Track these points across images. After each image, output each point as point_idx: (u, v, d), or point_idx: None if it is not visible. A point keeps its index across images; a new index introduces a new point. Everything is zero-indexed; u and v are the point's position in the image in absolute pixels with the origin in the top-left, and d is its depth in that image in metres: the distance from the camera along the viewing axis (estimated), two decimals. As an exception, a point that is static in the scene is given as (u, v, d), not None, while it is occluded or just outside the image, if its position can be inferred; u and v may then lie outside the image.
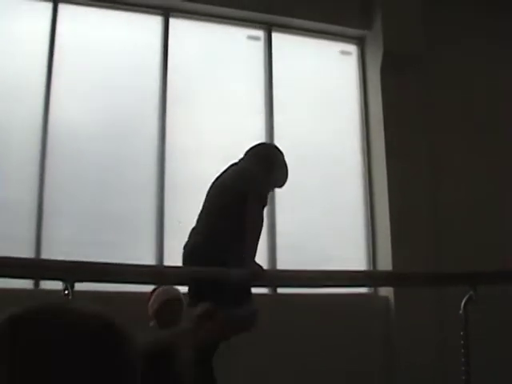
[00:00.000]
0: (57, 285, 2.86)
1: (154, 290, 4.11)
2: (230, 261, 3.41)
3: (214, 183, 3.90)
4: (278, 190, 6.02)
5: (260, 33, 6.54)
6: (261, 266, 3.43)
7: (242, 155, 4.03)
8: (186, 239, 3.81)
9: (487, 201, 6.63)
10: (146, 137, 5.92)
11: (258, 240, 3.57)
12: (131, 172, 5.79)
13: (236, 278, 3.38)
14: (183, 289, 4.02)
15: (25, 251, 5.06)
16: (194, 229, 3.82)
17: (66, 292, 2.72)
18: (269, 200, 5.92)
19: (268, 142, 4.15)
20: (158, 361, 3.81)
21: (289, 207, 6.17)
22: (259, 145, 4.09)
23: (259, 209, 3.61)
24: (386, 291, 6.19)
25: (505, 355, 5.22)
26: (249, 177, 3.71)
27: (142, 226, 5.71)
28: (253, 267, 3.35)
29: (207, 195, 3.88)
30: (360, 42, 6.91)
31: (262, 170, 3.78)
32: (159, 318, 3.99)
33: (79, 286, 2.85)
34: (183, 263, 3.71)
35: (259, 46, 6.50)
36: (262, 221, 3.67)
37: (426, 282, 4.18)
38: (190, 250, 3.72)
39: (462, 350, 4.11)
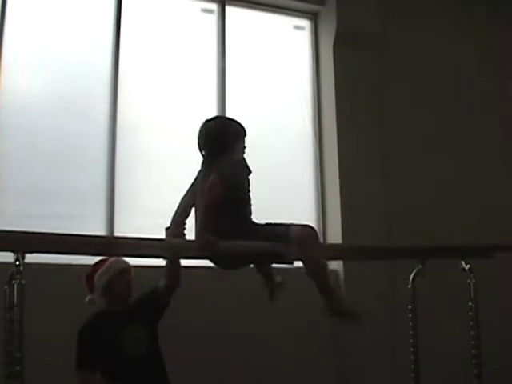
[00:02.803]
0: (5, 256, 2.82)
1: (96, 264, 4.09)
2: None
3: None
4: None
5: (214, 6, 6.48)
6: (213, 238, 3.38)
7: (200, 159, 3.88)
8: None
9: (440, 176, 6.74)
10: (97, 110, 5.82)
11: (211, 213, 3.50)
12: (82, 146, 5.71)
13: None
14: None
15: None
16: None
17: (17, 263, 2.68)
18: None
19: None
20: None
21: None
22: (201, 135, 3.88)
23: (219, 185, 3.53)
24: (335, 265, 6.25)
25: (452, 328, 5.33)
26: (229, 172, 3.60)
27: (92, 200, 5.65)
28: (204, 238, 3.32)
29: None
30: (314, 18, 6.91)
31: (230, 156, 3.67)
32: (110, 289, 3.97)
33: (30, 258, 2.82)
34: None
35: (213, 20, 6.45)
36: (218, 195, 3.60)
37: (375, 255, 4.22)
38: None
39: (410, 323, 4.20)
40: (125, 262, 4.06)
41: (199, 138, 3.69)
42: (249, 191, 3.60)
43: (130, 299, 4.07)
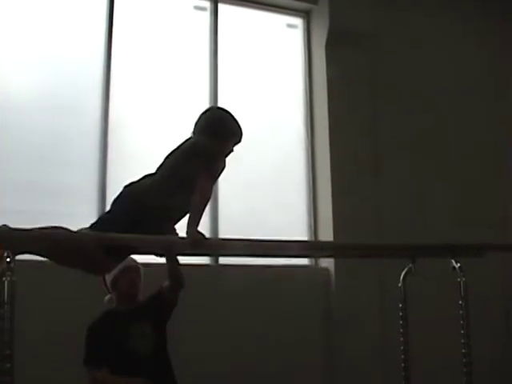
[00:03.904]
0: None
1: None
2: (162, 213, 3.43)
3: (169, 153, 3.82)
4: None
5: (206, 3, 6.47)
6: (203, 235, 3.41)
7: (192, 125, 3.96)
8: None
9: (431, 176, 6.77)
10: (89, 107, 5.81)
11: (202, 211, 3.54)
12: (74, 143, 5.69)
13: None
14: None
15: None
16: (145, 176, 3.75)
17: (8, 260, 2.68)
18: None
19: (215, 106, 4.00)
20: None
21: (231, 177, 6.17)
22: (206, 112, 3.98)
23: (210, 182, 3.57)
24: (326, 263, 6.27)
25: (442, 327, 5.35)
26: (200, 152, 3.64)
27: (84, 197, 5.64)
28: (194, 235, 3.34)
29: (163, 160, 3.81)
30: (306, 16, 6.92)
31: (213, 142, 3.71)
32: (116, 287, 3.98)
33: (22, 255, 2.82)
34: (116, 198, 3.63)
35: (205, 17, 6.45)
36: (211, 193, 3.63)
37: (366, 253, 4.23)
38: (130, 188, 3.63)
39: (401, 322, 4.21)
40: (132, 260, 4.05)
41: (205, 116, 3.80)
42: None
43: (138, 298, 4.07)
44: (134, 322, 3.93)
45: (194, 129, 3.84)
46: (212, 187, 3.57)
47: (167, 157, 3.75)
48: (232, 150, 3.82)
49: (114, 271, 3.96)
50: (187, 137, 3.84)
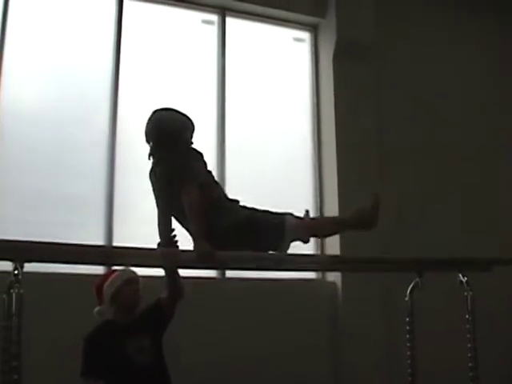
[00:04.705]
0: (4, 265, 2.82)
1: (106, 274, 4.08)
2: None
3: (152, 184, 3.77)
4: (229, 185, 6.02)
5: (214, 17, 6.51)
6: (210, 247, 3.30)
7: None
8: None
9: (436, 189, 6.77)
10: (97, 119, 5.83)
11: (203, 218, 3.45)
12: (82, 154, 5.71)
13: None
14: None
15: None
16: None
17: (16, 272, 2.68)
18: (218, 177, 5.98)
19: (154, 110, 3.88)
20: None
21: (238, 185, 6.16)
22: (149, 121, 3.78)
23: (193, 187, 3.44)
24: (333, 277, 6.25)
25: (449, 341, 5.34)
26: (169, 168, 3.57)
27: (91, 208, 5.65)
28: (202, 247, 3.26)
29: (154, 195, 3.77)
30: (313, 30, 6.94)
31: (172, 151, 3.59)
32: (117, 299, 3.94)
33: (29, 267, 2.82)
34: None
35: (213, 31, 6.47)
36: (205, 197, 3.41)
37: (373, 267, 4.22)
38: None
39: (408, 336, 4.20)
40: (132, 272, 4.02)
41: (148, 128, 3.75)
42: (213, 176, 3.69)
43: (137, 309, 4.04)
44: (133, 335, 3.90)
45: (147, 139, 3.77)
46: (197, 191, 3.41)
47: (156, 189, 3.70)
48: (192, 142, 3.76)
49: (118, 282, 3.94)
50: (147, 153, 3.76)
